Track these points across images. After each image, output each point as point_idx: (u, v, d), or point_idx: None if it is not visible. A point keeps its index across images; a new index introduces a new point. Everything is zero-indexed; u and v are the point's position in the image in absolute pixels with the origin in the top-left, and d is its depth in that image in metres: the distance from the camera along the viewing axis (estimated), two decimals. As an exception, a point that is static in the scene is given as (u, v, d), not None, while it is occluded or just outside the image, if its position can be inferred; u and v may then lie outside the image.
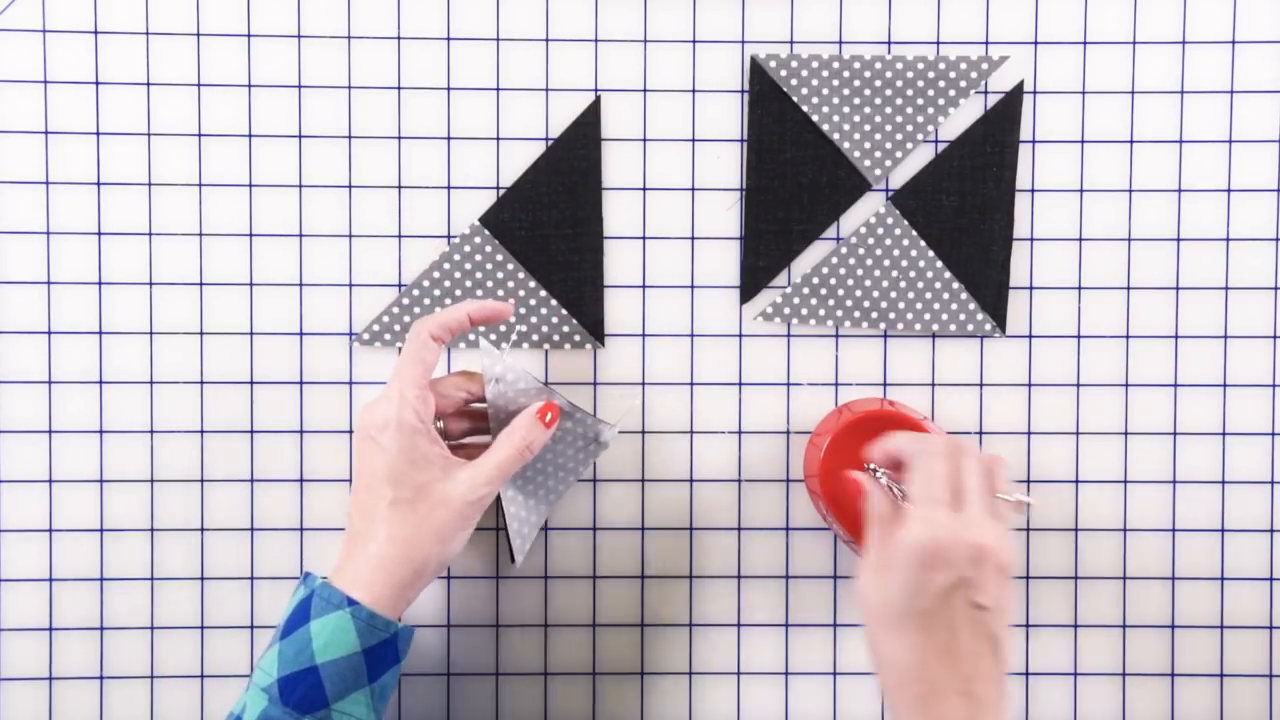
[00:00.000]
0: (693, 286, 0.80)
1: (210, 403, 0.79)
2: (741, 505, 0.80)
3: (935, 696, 0.62)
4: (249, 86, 0.79)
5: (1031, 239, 0.79)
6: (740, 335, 0.80)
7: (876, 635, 0.64)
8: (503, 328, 0.79)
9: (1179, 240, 0.80)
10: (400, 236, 0.79)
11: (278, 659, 0.65)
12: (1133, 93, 0.79)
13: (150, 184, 0.79)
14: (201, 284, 0.79)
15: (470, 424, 0.74)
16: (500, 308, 0.71)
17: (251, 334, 0.79)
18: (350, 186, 0.79)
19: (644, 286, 0.80)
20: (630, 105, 0.79)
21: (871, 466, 0.74)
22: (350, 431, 0.79)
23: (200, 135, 0.79)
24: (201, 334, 0.79)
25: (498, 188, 0.79)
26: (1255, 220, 0.79)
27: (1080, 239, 0.79)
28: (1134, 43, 0.79)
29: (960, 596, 0.62)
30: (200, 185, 0.79)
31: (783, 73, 0.78)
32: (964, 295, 0.79)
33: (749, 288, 0.80)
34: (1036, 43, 0.79)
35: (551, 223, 0.79)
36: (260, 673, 0.66)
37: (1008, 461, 0.69)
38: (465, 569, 0.80)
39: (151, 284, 0.79)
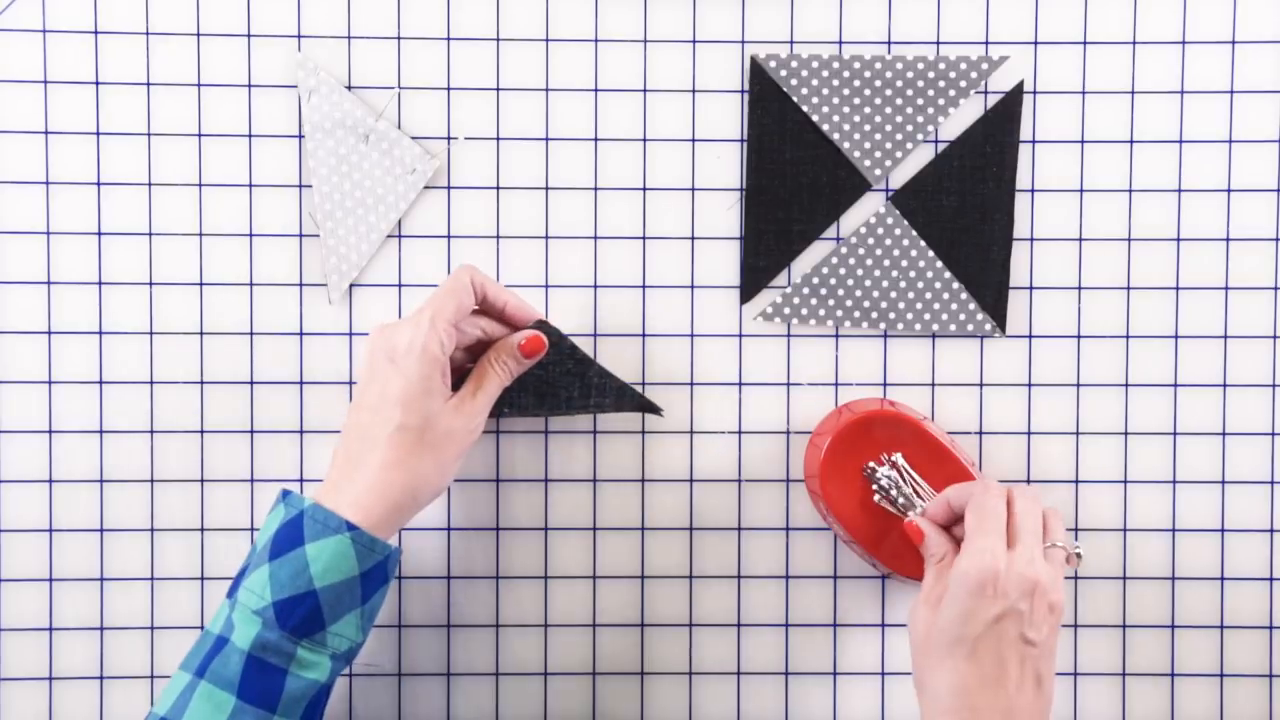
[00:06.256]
0: (693, 286, 0.80)
1: (210, 403, 0.79)
2: (741, 505, 0.80)
3: None
4: (249, 86, 0.79)
5: (1031, 239, 0.79)
6: (740, 335, 0.80)
7: (924, 665, 0.64)
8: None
9: (1179, 240, 0.80)
10: (400, 237, 0.79)
11: (269, 581, 0.64)
12: (1133, 93, 0.79)
13: (150, 184, 0.79)
14: (201, 284, 0.79)
15: (466, 356, 0.73)
16: (532, 336, 0.71)
17: (251, 334, 0.79)
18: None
19: (644, 286, 0.80)
20: (630, 105, 0.79)
21: (872, 465, 0.74)
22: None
23: (200, 135, 0.78)
24: (201, 334, 0.79)
25: (497, 188, 0.79)
26: (1255, 220, 0.79)
27: (1080, 239, 0.79)
28: (1134, 43, 0.79)
29: (1010, 628, 0.63)
30: (200, 185, 0.79)
31: (783, 73, 0.78)
32: (964, 295, 0.79)
33: (749, 288, 0.79)
34: (1036, 43, 0.79)
35: None
36: (249, 594, 0.64)
37: (1062, 513, 0.71)
38: (464, 569, 0.80)
39: (151, 284, 0.79)
